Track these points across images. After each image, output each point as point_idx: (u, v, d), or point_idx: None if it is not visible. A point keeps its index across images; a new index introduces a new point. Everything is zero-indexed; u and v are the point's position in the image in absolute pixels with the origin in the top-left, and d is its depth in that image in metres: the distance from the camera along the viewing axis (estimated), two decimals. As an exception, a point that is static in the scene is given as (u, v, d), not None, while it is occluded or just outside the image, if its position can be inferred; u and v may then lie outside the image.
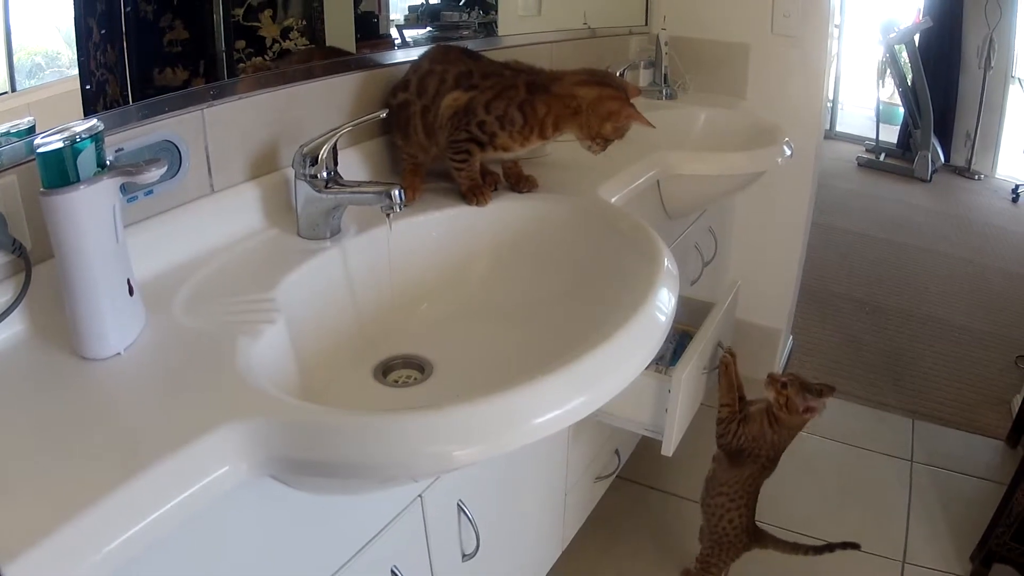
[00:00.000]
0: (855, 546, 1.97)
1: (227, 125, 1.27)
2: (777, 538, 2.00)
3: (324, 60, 1.51)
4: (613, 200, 1.63)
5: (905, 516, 2.51)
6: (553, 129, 1.46)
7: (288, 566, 1.03)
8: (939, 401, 3.18)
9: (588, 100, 1.44)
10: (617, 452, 2.14)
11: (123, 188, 1.05)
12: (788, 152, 2.17)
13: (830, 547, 1.97)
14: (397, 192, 1.21)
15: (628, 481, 2.56)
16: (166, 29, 1.19)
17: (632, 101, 1.48)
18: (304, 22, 1.47)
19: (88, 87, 1.09)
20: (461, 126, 1.46)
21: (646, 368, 1.78)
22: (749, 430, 1.83)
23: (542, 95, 1.45)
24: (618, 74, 2.33)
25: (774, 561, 2.04)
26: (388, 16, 1.72)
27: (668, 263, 1.23)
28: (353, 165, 1.50)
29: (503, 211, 1.50)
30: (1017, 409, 2.90)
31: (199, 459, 0.79)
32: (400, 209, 1.23)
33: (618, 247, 1.37)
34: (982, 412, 3.12)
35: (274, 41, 1.39)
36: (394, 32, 1.75)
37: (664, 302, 1.14)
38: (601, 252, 1.41)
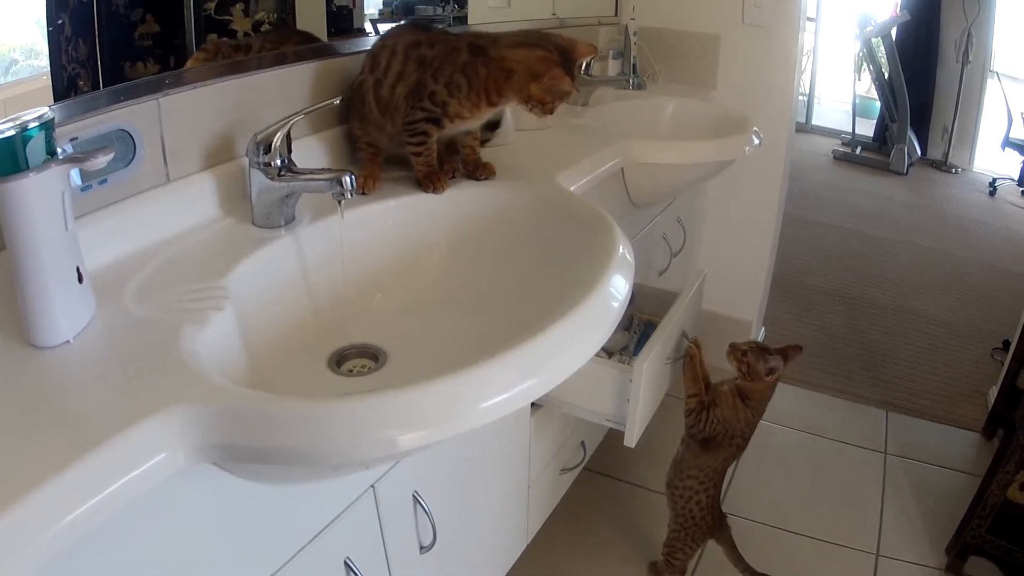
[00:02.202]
0: None
1: (183, 114, 1.25)
2: (733, 541, 2.00)
3: (282, 48, 1.50)
4: (573, 188, 1.62)
5: (879, 509, 2.49)
6: (496, 94, 1.43)
7: (238, 555, 1.03)
8: (914, 393, 3.17)
9: (518, 62, 1.41)
10: (583, 444, 2.13)
11: (79, 178, 1.07)
12: (756, 141, 2.16)
13: None
14: (348, 178, 1.21)
15: (597, 473, 2.54)
16: (137, 23, 1.20)
17: (585, 61, 1.45)
18: (276, 16, 1.48)
19: (59, 82, 1.10)
20: (416, 105, 1.44)
21: (609, 358, 1.82)
22: (719, 413, 1.82)
23: (482, 58, 1.42)
24: (584, 64, 2.32)
25: (752, 562, 2.03)
26: (363, 10, 1.72)
27: (623, 249, 1.23)
28: (314, 153, 1.50)
29: (459, 199, 1.49)
30: (993, 401, 2.89)
31: (135, 446, 0.78)
32: (351, 196, 1.22)
33: (575, 234, 1.36)
34: (958, 404, 3.11)
35: (246, 35, 1.39)
36: (368, 27, 1.75)
37: (617, 288, 1.14)
38: (558, 239, 1.40)
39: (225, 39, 1.37)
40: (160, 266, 1.14)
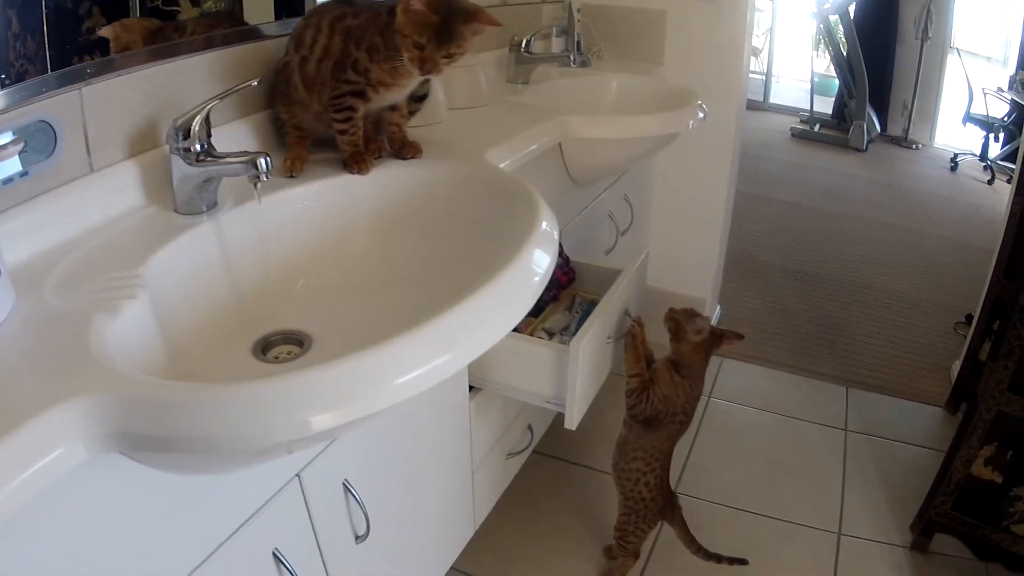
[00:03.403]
0: (743, 562, 1.98)
1: (106, 103, 1.23)
2: (684, 523, 1.97)
3: (212, 31, 1.47)
4: (504, 165, 1.61)
5: (840, 487, 2.47)
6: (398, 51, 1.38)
7: (159, 547, 1.01)
8: (874, 368, 3.16)
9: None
10: (530, 427, 2.09)
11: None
12: (701, 115, 2.13)
13: (718, 558, 1.97)
14: (263, 161, 1.18)
15: (548, 457, 2.52)
16: (84, 17, 1.20)
17: (480, 26, 1.35)
18: (223, 4, 1.49)
19: (5, 78, 1.09)
20: (340, 77, 1.41)
21: (551, 339, 1.78)
22: (658, 391, 1.79)
23: (394, 17, 1.37)
24: (524, 41, 2.28)
25: (709, 544, 2.00)
26: (314, -4, 1.70)
27: (545, 222, 1.22)
28: (243, 138, 1.49)
29: (385, 179, 1.47)
30: (956, 375, 2.88)
31: (33, 441, 0.76)
32: (267, 178, 1.20)
33: (500, 210, 1.34)
34: (920, 379, 3.10)
35: (172, 17, 1.38)
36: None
37: (538, 261, 1.13)
38: (483, 215, 1.39)
39: (141, 19, 1.34)
40: (81, 257, 1.12)
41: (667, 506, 1.94)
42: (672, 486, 1.95)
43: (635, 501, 1.91)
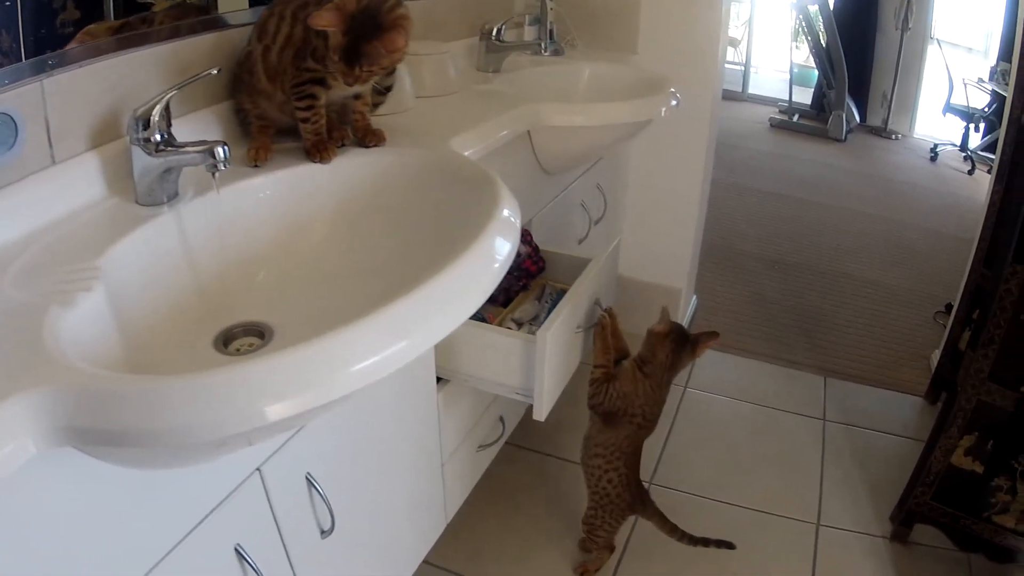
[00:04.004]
0: (730, 546, 1.93)
1: (69, 94, 1.22)
2: (661, 513, 1.94)
3: (179, 21, 1.46)
4: (470, 153, 1.60)
5: (819, 477, 2.46)
6: None
7: (117, 544, 1.00)
8: (853, 358, 3.15)
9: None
10: (501, 419, 2.07)
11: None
12: (674, 103, 2.11)
13: (705, 542, 1.93)
14: (221, 149, 1.17)
15: (522, 449, 2.50)
16: (59, 10, 1.20)
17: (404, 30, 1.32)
18: None
19: None
20: (301, 65, 1.39)
21: (520, 329, 1.76)
22: (620, 387, 1.77)
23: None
24: (495, 30, 2.25)
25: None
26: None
27: (506, 208, 1.21)
28: (209, 128, 1.47)
29: (347, 167, 1.46)
30: (936, 364, 2.87)
31: None
32: (225, 167, 1.19)
33: (462, 196, 1.34)
34: (900, 368, 3.09)
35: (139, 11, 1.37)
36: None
37: (498, 247, 1.13)
38: (447, 202, 1.38)
39: (105, 23, 1.32)
40: (41, 249, 1.10)
41: (636, 502, 1.91)
42: (648, 477, 1.93)
43: (600, 496, 1.90)
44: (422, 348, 0.95)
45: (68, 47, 1.24)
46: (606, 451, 1.83)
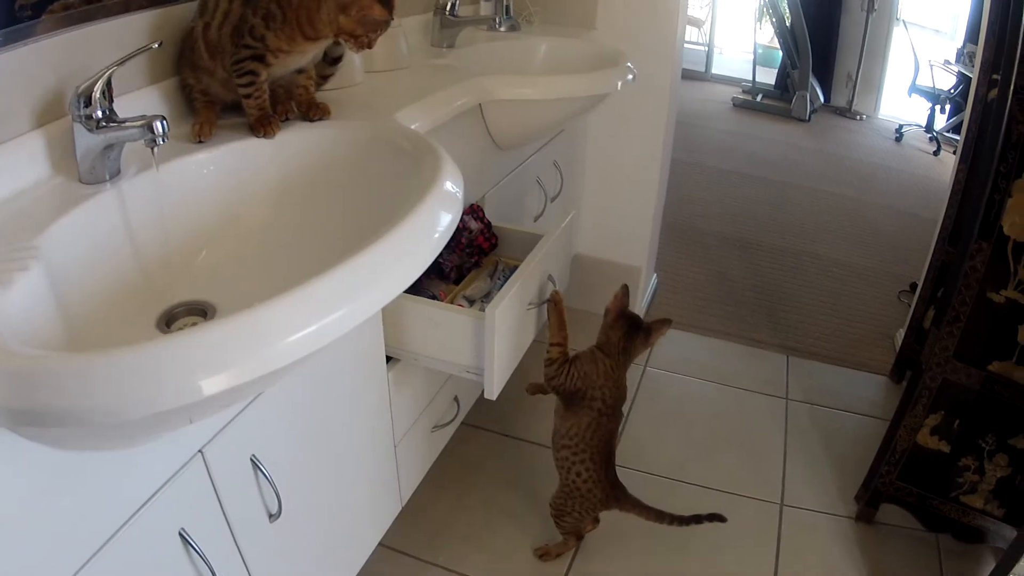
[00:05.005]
0: (721, 519, 1.90)
1: (12, 74, 1.20)
2: (640, 503, 1.91)
3: None
4: (416, 127, 1.58)
5: (782, 457, 2.45)
6: (309, 27, 1.36)
7: (52, 532, 0.98)
8: (817, 337, 3.14)
9: None
10: (456, 399, 2.05)
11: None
12: (630, 77, 2.08)
13: (697, 518, 1.89)
14: (159, 124, 1.16)
15: (479, 429, 2.48)
16: None
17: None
18: None
19: None
20: (238, 43, 1.38)
21: (471, 307, 1.73)
22: (580, 366, 1.75)
23: None
24: (450, 4, 2.21)
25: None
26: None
27: (449, 182, 1.22)
28: (155, 105, 1.44)
29: (291, 141, 1.45)
30: (900, 343, 2.87)
31: None
32: (163, 141, 1.17)
33: (404, 168, 1.33)
34: (863, 347, 3.09)
35: None
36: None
37: (437, 218, 1.14)
38: (391, 174, 1.37)
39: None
40: None
41: (611, 499, 1.89)
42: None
43: (571, 488, 1.87)
44: (359, 318, 0.95)
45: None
46: (571, 441, 1.81)
